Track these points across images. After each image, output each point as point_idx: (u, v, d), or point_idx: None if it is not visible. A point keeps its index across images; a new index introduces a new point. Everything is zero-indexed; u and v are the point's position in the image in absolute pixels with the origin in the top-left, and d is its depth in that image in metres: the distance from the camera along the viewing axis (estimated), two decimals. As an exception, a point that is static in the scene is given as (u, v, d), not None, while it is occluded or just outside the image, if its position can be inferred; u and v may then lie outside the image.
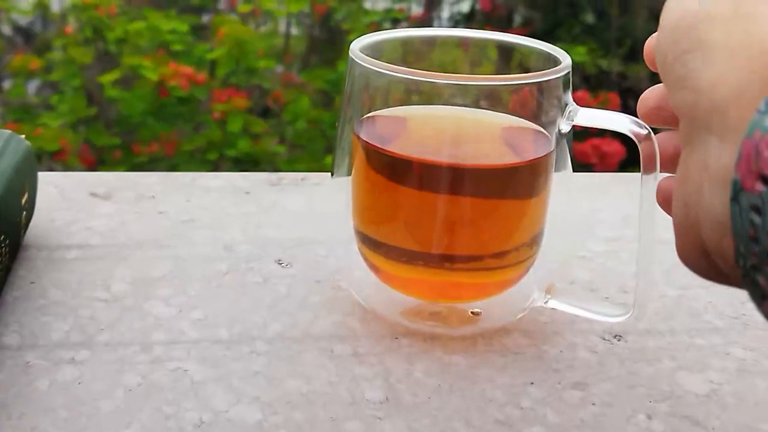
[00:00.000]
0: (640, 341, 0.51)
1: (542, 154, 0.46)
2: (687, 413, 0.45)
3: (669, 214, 0.35)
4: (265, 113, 3.61)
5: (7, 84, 3.70)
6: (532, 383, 0.47)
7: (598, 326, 0.52)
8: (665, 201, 0.39)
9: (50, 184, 0.65)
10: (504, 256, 0.48)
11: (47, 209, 0.62)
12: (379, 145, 0.47)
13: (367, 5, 3.90)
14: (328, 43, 3.97)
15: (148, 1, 3.69)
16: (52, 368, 0.45)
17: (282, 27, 4.09)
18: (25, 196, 0.54)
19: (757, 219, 0.23)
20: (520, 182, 0.47)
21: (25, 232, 0.56)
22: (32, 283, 0.53)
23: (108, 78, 3.31)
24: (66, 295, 0.52)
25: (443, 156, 0.45)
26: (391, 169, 0.46)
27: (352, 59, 0.47)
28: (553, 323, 0.52)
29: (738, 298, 0.55)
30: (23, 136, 0.55)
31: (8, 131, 0.54)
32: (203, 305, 0.52)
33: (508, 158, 0.48)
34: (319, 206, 0.65)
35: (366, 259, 0.50)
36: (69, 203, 0.63)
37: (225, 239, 0.60)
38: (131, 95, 3.38)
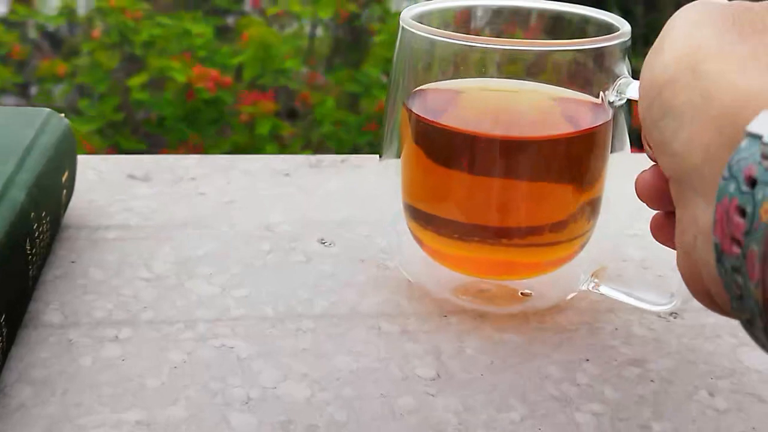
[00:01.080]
0: (697, 318, 0.49)
1: (598, 124, 0.45)
2: (751, 390, 0.43)
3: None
4: (292, 114, 3.62)
5: (34, 89, 3.73)
6: (587, 360, 0.45)
7: (654, 304, 0.50)
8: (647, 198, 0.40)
9: (88, 166, 0.64)
10: (561, 230, 0.47)
11: (86, 190, 0.61)
12: (431, 119, 0.45)
13: (392, 6, 3.88)
14: (353, 44, 3.96)
15: (173, 3, 3.70)
16: (96, 346, 0.44)
17: (307, 29, 4.09)
18: (66, 174, 0.53)
19: (739, 279, 0.23)
20: (577, 153, 0.45)
21: (65, 211, 0.55)
22: (73, 262, 0.52)
23: (136, 81, 3.32)
24: (107, 275, 0.51)
25: (498, 128, 0.44)
26: (445, 143, 0.45)
27: (403, 28, 0.45)
28: (605, 301, 0.50)
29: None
30: (62, 114, 0.54)
31: (47, 109, 0.53)
32: (247, 283, 0.51)
33: (565, 128, 0.47)
34: (360, 188, 0.64)
35: (415, 236, 0.49)
36: (107, 185, 0.63)
37: (266, 220, 0.59)
38: (159, 98, 3.38)
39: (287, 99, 3.74)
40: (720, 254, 0.24)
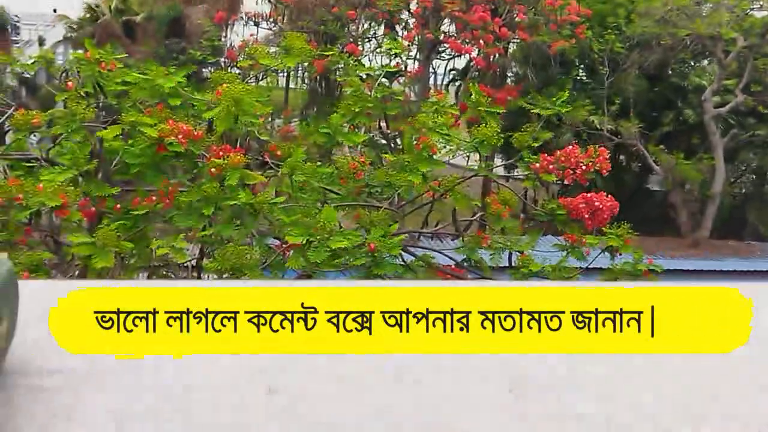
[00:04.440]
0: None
1: None
2: None
3: None
4: (263, 164, 3.66)
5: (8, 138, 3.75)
6: None
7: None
8: None
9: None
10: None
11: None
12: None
13: (365, 61, 3.97)
14: (326, 96, 4.03)
15: (151, 56, 3.75)
16: None
17: (281, 81, 4.16)
18: (3, 324, 0.50)
19: None
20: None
21: (4, 358, 0.52)
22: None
23: (109, 133, 3.35)
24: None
25: None
26: None
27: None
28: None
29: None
30: (5, 255, 0.53)
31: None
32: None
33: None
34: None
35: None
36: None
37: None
38: (131, 147, 3.41)
39: (259, 151, 3.79)
40: None
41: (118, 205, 3.31)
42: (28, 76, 3.84)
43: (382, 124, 8.11)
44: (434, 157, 3.45)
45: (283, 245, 3.24)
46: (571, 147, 3.48)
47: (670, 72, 12.88)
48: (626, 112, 11.77)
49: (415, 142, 3.47)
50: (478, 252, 3.49)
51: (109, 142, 3.40)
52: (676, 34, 11.30)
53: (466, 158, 4.80)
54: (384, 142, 8.91)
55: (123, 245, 2.96)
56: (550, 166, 3.37)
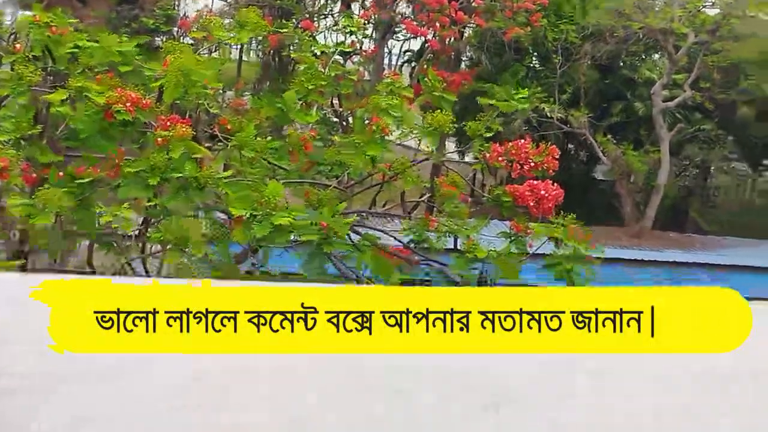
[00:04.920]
0: None
1: None
2: None
3: None
4: (213, 137, 3.63)
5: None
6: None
7: None
8: None
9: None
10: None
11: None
12: None
13: (320, 38, 3.95)
14: (279, 71, 4.00)
15: (102, 23, 3.68)
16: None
17: (234, 53, 4.12)
18: None
19: None
20: None
21: None
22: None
23: (55, 97, 3.30)
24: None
25: None
26: None
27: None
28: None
29: None
30: None
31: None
32: None
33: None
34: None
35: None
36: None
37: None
38: (78, 113, 3.35)
39: (209, 122, 3.76)
40: None
41: (62, 173, 3.25)
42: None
43: (335, 102, 8.09)
44: (387, 138, 3.46)
45: (230, 219, 3.23)
46: (523, 141, 3.50)
47: (621, 64, 13.03)
48: (577, 101, 11.91)
49: (367, 122, 3.47)
50: (426, 233, 3.52)
51: (56, 108, 3.33)
52: (630, 26, 11.43)
53: (418, 140, 4.83)
54: (336, 120, 8.90)
55: (63, 207, 2.92)
56: (500, 158, 3.40)
